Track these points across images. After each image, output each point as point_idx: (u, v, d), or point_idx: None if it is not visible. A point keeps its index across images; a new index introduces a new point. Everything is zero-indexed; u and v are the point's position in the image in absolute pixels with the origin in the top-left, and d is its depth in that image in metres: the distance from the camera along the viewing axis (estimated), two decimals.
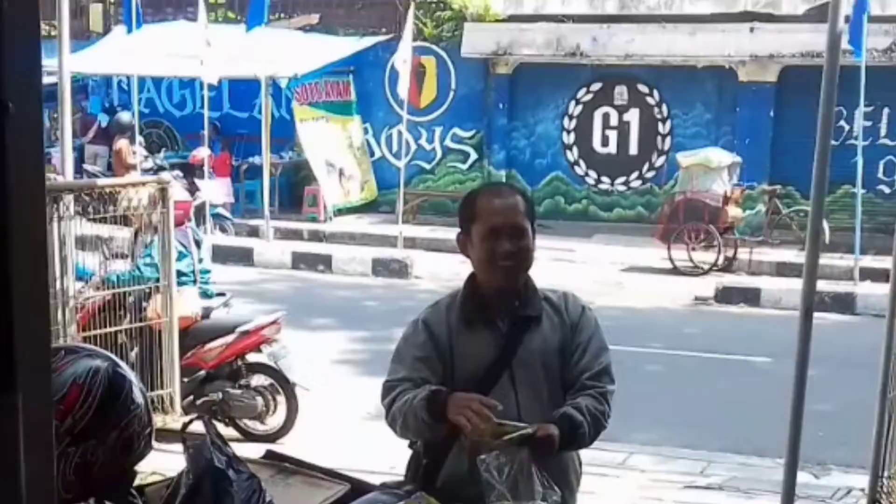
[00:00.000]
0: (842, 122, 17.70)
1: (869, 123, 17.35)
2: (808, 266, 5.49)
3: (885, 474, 5.29)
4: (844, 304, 14.51)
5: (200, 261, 9.36)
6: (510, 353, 3.70)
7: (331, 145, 21.05)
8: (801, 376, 5.43)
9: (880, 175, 19.26)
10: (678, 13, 20.15)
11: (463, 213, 3.80)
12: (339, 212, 20.81)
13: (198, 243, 9.42)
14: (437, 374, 3.71)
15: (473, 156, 21.70)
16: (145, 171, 18.09)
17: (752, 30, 19.35)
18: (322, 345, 12.18)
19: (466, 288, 3.82)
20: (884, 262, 15.98)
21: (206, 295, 9.42)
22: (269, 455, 3.99)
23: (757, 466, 8.75)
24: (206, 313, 9.30)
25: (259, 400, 9.15)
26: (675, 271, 16.96)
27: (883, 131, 19.20)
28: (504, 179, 20.97)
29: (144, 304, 8.89)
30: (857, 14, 14.71)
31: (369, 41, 21.53)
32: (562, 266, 16.14)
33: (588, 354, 3.72)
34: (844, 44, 11.90)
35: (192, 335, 9.09)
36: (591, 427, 3.61)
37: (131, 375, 2.48)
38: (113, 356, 2.51)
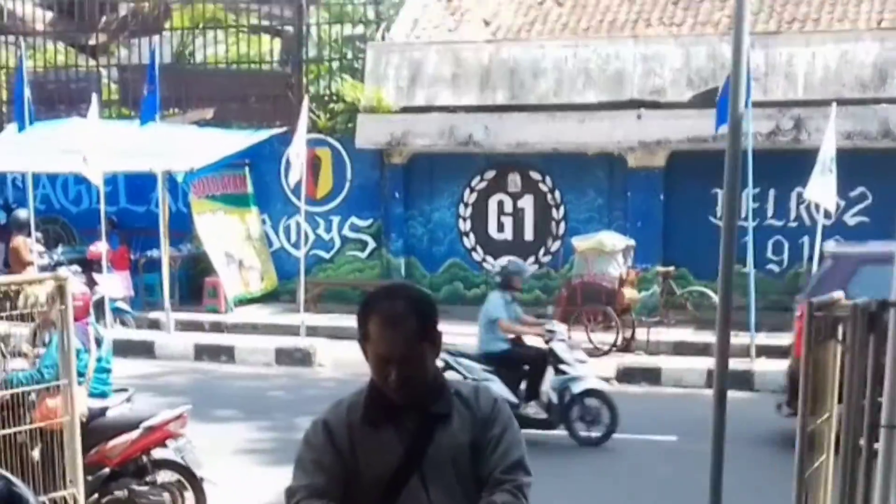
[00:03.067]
0: None
1: (756, 205, 17.82)
2: (720, 349, 5.48)
3: None
4: (743, 380, 14.78)
5: (99, 359, 9.18)
6: (420, 453, 3.57)
7: (229, 237, 21.02)
8: (718, 458, 5.40)
9: (769, 255, 19.77)
10: (567, 102, 20.56)
11: (359, 322, 3.61)
12: (240, 302, 20.79)
13: (98, 341, 9.24)
14: (335, 478, 3.58)
15: (372, 244, 21.83)
16: (42, 267, 17.91)
17: (639, 117, 19.80)
18: (227, 436, 12.11)
19: (370, 388, 3.66)
20: (777, 340, 16.38)
21: (103, 395, 9.27)
22: None
23: None
24: (103, 412, 9.11)
25: (166, 496, 9.01)
26: None
27: (770, 212, 19.73)
28: (402, 267, 21.16)
29: (40, 403, 8.70)
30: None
31: (264, 134, 21.65)
32: None
33: (501, 448, 3.59)
34: (725, 129, 12.24)
35: (96, 432, 8.93)
36: None
37: (28, 494, 2.37)
38: (7, 474, 2.42)
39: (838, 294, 4.74)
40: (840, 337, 4.47)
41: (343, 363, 15.63)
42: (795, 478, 4.38)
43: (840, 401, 4.63)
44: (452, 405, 3.65)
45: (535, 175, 21.01)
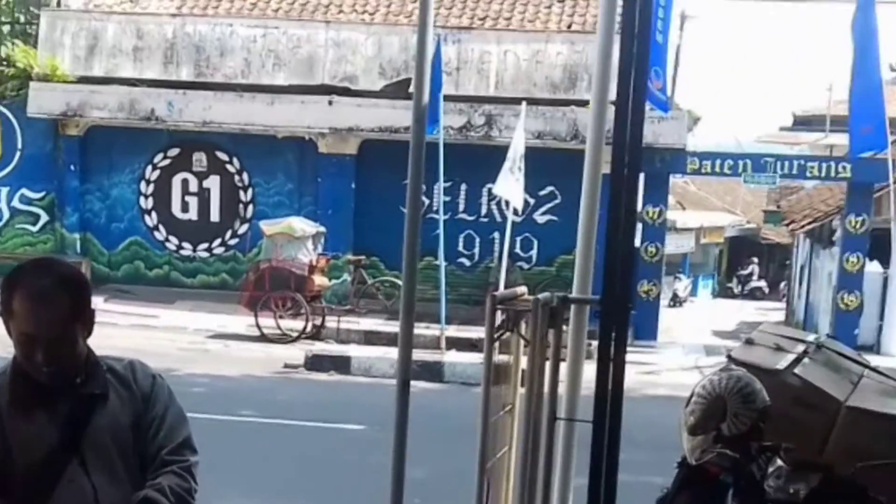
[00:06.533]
0: (423, 197, 18.14)
1: (448, 198, 17.91)
2: (403, 338, 5.31)
3: None
4: (433, 372, 14.76)
5: None
6: (76, 436, 3.28)
7: None
8: (401, 447, 5.24)
9: (460, 248, 19.97)
10: (255, 83, 20.16)
11: (2, 296, 3.23)
12: None
13: None
14: None
15: (45, 217, 20.76)
16: None
17: (330, 103, 19.62)
18: None
19: (14, 368, 3.28)
20: (467, 332, 16.51)
21: None
22: None
23: None
24: None
25: None
26: (264, 339, 16.75)
27: (461, 206, 19.95)
28: (78, 243, 20.25)
29: None
30: (434, 92, 15.09)
31: None
32: (145, 332, 15.56)
33: (165, 428, 3.39)
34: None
35: None
36: None
37: None
38: None
39: (521, 289, 4.83)
40: (522, 331, 4.52)
41: (9, 344, 14.57)
42: (478, 469, 4.38)
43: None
44: (108, 384, 3.37)
45: (223, 155, 20.50)
